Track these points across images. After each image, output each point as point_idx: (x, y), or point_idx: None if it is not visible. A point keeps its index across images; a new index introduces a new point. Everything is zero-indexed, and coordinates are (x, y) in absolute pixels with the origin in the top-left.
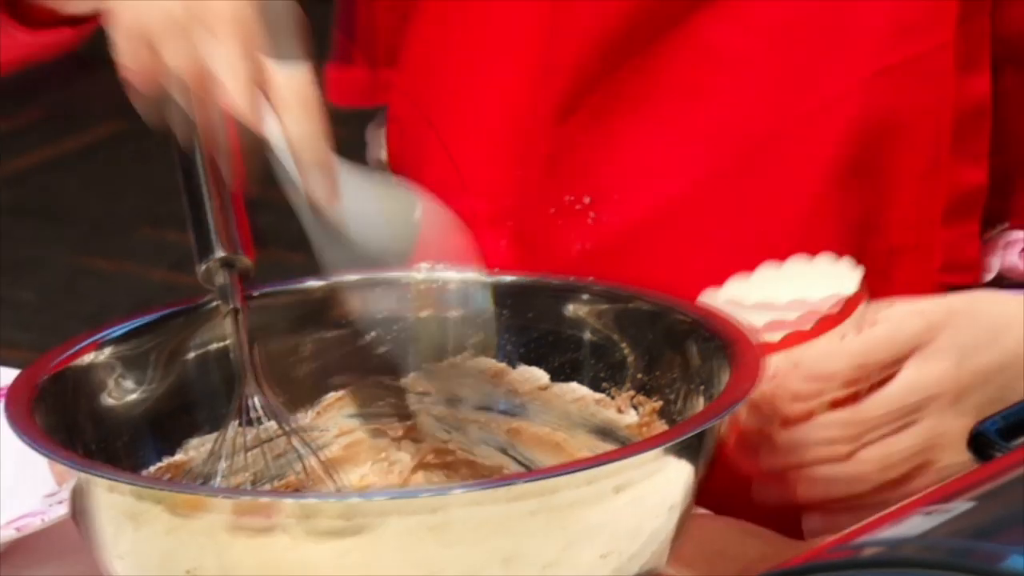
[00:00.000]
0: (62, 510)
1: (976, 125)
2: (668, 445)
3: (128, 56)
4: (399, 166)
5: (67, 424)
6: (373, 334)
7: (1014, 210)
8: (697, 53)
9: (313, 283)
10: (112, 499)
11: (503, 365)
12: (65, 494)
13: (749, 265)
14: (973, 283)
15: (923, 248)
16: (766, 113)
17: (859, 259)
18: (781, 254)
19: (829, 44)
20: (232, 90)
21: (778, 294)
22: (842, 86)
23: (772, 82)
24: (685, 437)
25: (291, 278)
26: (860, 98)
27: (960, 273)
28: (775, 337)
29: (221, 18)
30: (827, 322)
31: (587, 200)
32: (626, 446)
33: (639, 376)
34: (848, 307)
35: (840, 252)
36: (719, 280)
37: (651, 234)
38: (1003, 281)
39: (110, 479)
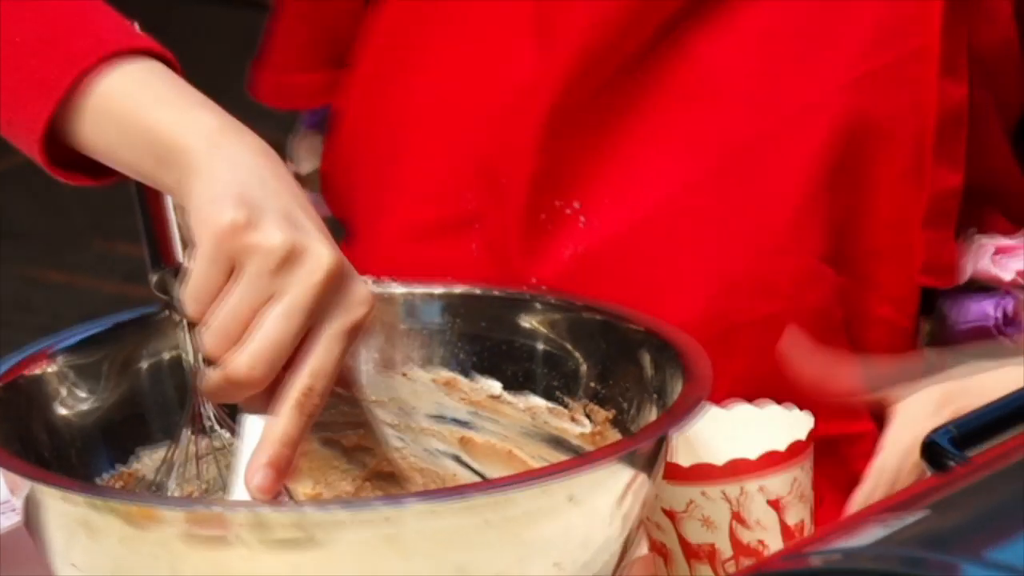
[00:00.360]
0: (16, 518)
1: (954, 130)
2: (622, 455)
3: (204, 266)
4: (340, 171)
5: (20, 433)
6: None
7: (982, 217)
8: (683, 60)
9: None
10: (65, 508)
11: (455, 374)
12: (18, 502)
13: (735, 267)
14: (950, 286)
15: (903, 250)
16: (751, 117)
17: (841, 260)
18: (769, 255)
19: (812, 49)
20: (257, 357)
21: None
22: (825, 90)
23: (756, 87)
24: (639, 447)
25: None
26: (843, 101)
27: (939, 276)
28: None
29: (311, 278)
30: (799, 445)
31: (577, 205)
32: (580, 456)
33: (592, 385)
34: (810, 438)
35: (824, 253)
36: (709, 281)
37: (642, 237)
38: (973, 284)
39: (62, 489)
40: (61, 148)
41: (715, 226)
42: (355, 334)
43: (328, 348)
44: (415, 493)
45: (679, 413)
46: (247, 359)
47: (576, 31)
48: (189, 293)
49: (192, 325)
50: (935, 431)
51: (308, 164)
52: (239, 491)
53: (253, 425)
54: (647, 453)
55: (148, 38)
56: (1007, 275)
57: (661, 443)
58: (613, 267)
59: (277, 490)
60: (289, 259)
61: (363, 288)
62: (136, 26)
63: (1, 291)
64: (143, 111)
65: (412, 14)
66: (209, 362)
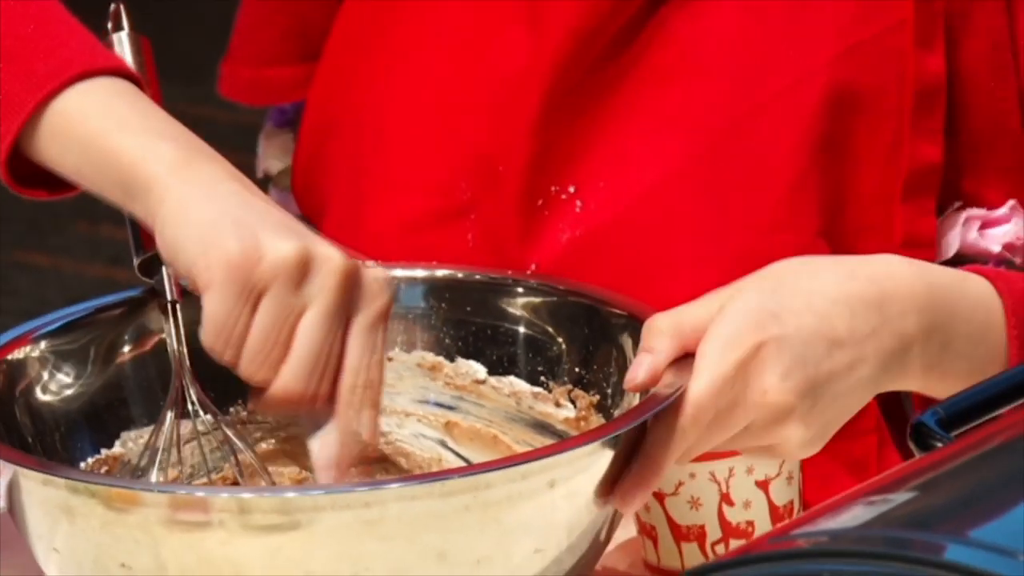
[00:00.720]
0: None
1: (932, 102)
2: (603, 440)
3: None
4: (314, 165)
5: (2, 417)
6: None
7: (965, 190)
8: (668, 39)
9: None
10: (46, 493)
11: (440, 359)
12: (1, 487)
13: (734, 245)
14: (931, 260)
15: (885, 225)
16: (739, 93)
17: (833, 237)
18: (767, 232)
19: (796, 24)
20: (299, 369)
21: None
22: (810, 64)
23: (742, 63)
24: (620, 432)
25: None
26: (828, 75)
27: (919, 249)
28: None
29: (330, 275)
30: None
31: (572, 190)
32: (561, 441)
33: (576, 370)
34: None
35: (819, 228)
36: (709, 259)
37: (638, 218)
38: (962, 258)
39: (42, 473)
40: (24, 160)
41: (711, 204)
42: (385, 319)
43: (365, 342)
44: (395, 478)
45: (660, 398)
46: (294, 377)
47: (566, 15)
48: (215, 335)
49: (175, 309)
50: (923, 413)
51: (278, 163)
52: None
53: (317, 437)
54: (629, 438)
55: (114, 56)
56: (994, 247)
57: (642, 428)
58: (611, 250)
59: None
60: (305, 269)
61: (378, 275)
62: (122, 16)
63: None
64: (107, 138)
65: (389, 4)
66: (259, 389)
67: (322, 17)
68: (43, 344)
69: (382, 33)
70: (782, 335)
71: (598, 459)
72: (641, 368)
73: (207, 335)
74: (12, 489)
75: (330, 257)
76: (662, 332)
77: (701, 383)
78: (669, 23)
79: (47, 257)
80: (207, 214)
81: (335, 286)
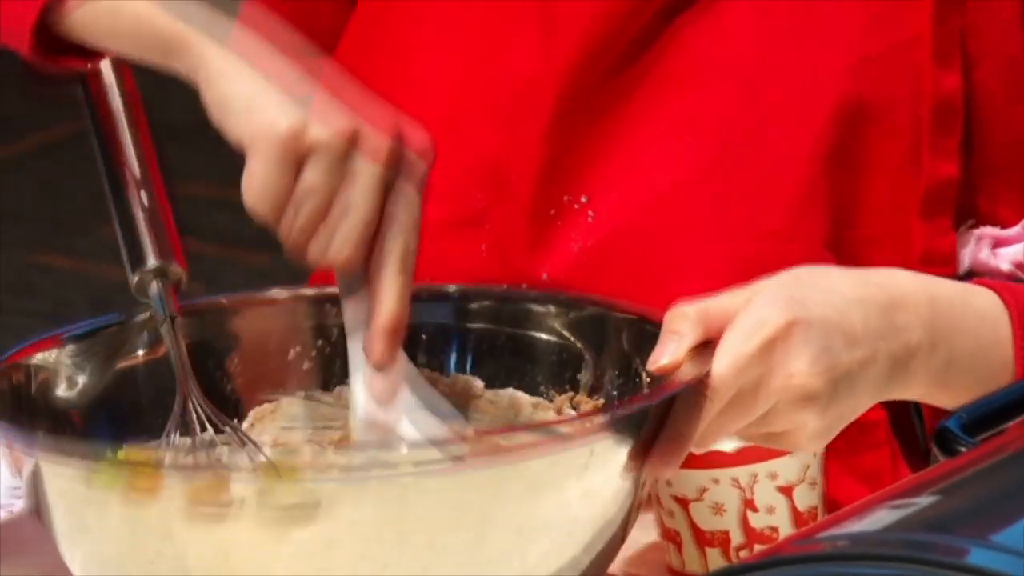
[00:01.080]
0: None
1: (949, 120)
2: (632, 411)
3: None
4: None
5: (20, 420)
6: (298, 348)
7: (980, 208)
8: (682, 47)
9: (239, 297)
10: (67, 487)
11: (436, 374)
12: (22, 483)
13: (742, 252)
14: (948, 276)
15: (900, 239)
16: (750, 101)
17: (840, 247)
18: (774, 240)
19: (809, 35)
20: (348, 234)
21: None
22: (823, 75)
23: (755, 72)
24: (649, 405)
25: (253, 278)
26: (840, 86)
27: (937, 266)
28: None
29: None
30: None
31: (584, 199)
32: (590, 412)
33: (578, 378)
34: None
35: (826, 239)
36: (717, 267)
37: (648, 227)
38: (973, 276)
39: (73, 458)
40: (52, 40)
41: (721, 212)
42: (424, 183)
43: (406, 207)
44: (411, 462)
45: (681, 382)
46: (337, 249)
47: (580, 22)
48: (256, 196)
49: (174, 324)
50: (947, 418)
51: None
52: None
53: (354, 312)
54: (643, 426)
55: None
56: (1005, 266)
57: (661, 423)
58: (621, 259)
59: (395, 357)
60: (353, 143)
61: (418, 137)
62: None
63: (6, 275)
64: (136, 2)
65: (399, 6)
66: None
67: (331, 19)
68: (61, 350)
69: (391, 36)
70: (810, 320)
71: (620, 448)
72: (666, 350)
73: (248, 195)
74: (36, 487)
75: (374, 136)
76: (687, 316)
77: (724, 361)
78: (683, 31)
79: (70, 260)
80: (255, 85)
81: (380, 158)
